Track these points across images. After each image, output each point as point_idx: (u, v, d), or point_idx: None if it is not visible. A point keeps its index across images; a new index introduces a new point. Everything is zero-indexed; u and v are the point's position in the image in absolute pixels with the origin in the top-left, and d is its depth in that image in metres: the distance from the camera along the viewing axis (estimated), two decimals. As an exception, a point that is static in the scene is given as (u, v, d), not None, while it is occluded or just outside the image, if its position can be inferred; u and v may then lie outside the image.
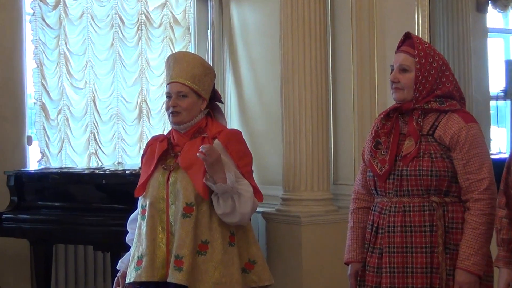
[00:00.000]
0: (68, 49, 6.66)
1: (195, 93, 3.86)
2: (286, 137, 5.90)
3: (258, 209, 5.83)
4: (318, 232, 5.76)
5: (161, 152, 3.89)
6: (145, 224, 3.84)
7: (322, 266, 5.74)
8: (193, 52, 7.06)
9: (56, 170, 6.19)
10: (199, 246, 3.77)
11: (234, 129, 4.09)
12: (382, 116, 3.59)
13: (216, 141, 3.83)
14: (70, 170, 6.24)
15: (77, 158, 6.70)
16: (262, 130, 6.60)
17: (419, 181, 3.40)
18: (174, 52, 6.74)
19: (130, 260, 3.90)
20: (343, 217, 5.49)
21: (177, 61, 3.91)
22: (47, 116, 6.59)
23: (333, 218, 5.81)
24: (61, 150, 6.64)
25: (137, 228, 3.92)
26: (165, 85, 3.99)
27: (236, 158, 3.83)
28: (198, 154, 3.65)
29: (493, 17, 6.63)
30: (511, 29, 6.88)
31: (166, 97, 3.92)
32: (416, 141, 3.44)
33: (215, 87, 4.04)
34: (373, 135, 3.58)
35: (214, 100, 4.02)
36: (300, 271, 5.73)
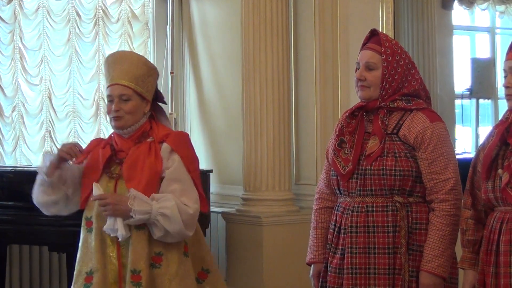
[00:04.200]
0: (23, 44, 6.60)
1: (138, 95, 3.63)
2: (246, 135, 5.88)
3: (218, 209, 5.80)
4: (280, 232, 5.75)
5: (105, 160, 3.67)
6: (92, 237, 3.64)
7: (284, 267, 5.74)
8: (152, 48, 7.10)
9: (11, 168, 6.13)
10: (153, 258, 3.60)
11: (182, 132, 4.00)
12: (347, 114, 3.55)
13: (165, 145, 3.64)
14: (25, 168, 6.17)
15: (32, 156, 6.64)
16: (222, 128, 6.56)
17: (383, 181, 3.37)
18: (131, 47, 6.69)
19: (75, 276, 3.68)
20: (304, 217, 5.49)
21: (117, 61, 3.68)
22: (1, 113, 6.52)
23: (295, 218, 5.81)
24: (15, 148, 6.58)
25: (82, 242, 3.70)
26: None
27: (187, 162, 3.65)
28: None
29: (459, 14, 6.67)
30: (477, 26, 6.91)
31: (107, 100, 3.69)
32: (381, 140, 3.40)
33: (157, 87, 3.82)
34: (337, 133, 3.54)
35: (156, 101, 3.80)
36: (261, 273, 5.72)
